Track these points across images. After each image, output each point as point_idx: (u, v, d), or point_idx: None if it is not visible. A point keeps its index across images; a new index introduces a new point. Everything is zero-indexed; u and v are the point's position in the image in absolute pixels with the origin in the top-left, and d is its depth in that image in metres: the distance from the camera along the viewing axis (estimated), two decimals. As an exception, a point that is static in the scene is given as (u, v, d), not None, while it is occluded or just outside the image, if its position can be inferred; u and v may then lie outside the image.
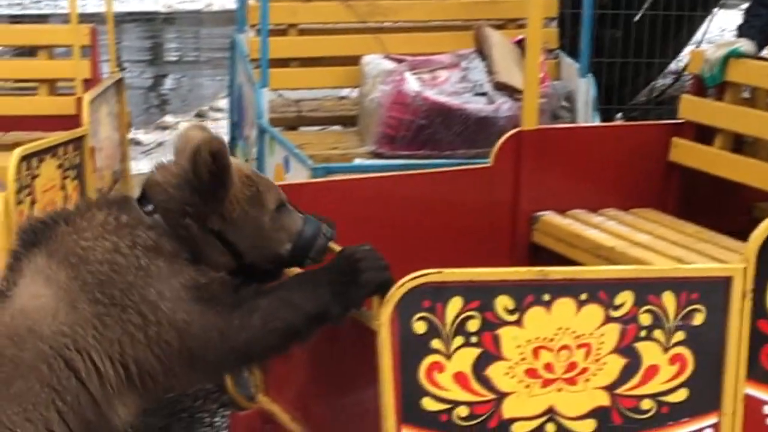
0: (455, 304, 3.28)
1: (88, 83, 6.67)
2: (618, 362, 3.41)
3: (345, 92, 7.32)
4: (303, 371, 3.94)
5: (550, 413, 3.39)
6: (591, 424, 3.42)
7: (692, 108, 4.91)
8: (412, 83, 6.04)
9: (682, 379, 3.45)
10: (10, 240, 4.93)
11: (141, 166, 8.94)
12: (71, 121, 6.26)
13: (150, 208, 3.38)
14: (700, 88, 4.95)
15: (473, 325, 3.30)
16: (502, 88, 6.09)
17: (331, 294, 3.31)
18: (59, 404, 3.20)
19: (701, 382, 3.46)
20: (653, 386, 3.44)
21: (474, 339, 3.31)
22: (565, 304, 3.34)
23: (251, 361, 3.42)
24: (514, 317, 3.32)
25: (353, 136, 6.41)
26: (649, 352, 3.42)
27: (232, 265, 3.40)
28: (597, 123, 5.97)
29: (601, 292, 3.36)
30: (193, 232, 3.35)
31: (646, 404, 3.44)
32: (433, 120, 5.90)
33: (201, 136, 3.43)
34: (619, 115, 8.82)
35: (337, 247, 3.51)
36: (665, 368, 3.44)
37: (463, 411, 3.33)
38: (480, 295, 3.29)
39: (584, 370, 3.39)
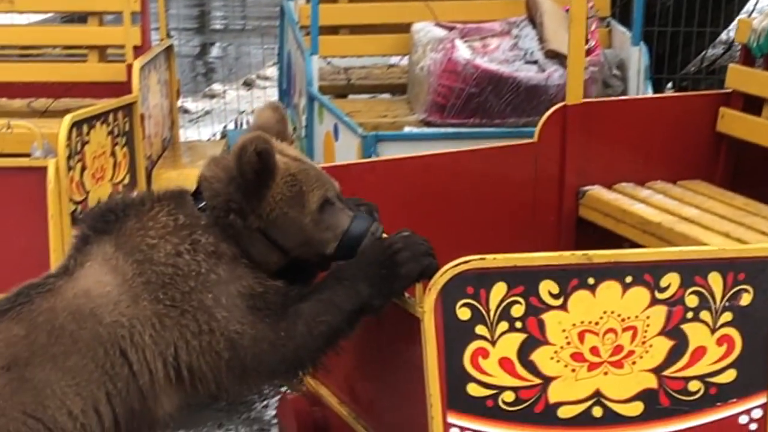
0: (499, 290, 3.27)
1: (138, 50, 6.61)
2: (665, 344, 3.38)
3: (394, 60, 7.25)
4: (350, 354, 3.93)
5: (597, 396, 3.38)
6: (638, 406, 3.40)
7: (740, 78, 4.85)
8: (462, 51, 5.98)
9: (729, 360, 3.42)
10: (61, 206, 5.02)
11: (189, 134, 8.99)
12: (121, 88, 6.26)
13: (203, 204, 3.41)
14: (749, 57, 4.88)
15: (518, 311, 3.29)
16: (553, 56, 6.02)
17: (370, 288, 3.31)
18: (109, 386, 3.26)
19: (749, 362, 3.43)
20: (701, 367, 3.41)
21: (518, 324, 3.29)
22: (610, 288, 3.32)
23: (302, 367, 3.40)
24: (558, 301, 3.30)
25: (403, 105, 6.37)
26: (697, 333, 3.39)
27: (281, 261, 3.41)
28: (647, 94, 5.89)
29: (646, 274, 3.33)
30: (238, 229, 3.36)
31: (693, 386, 3.42)
32: (484, 88, 5.85)
33: (250, 135, 3.36)
34: (670, 84, 8.71)
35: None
36: (713, 349, 3.41)
37: (509, 396, 3.33)
38: (524, 280, 3.28)
39: (630, 353, 3.37)
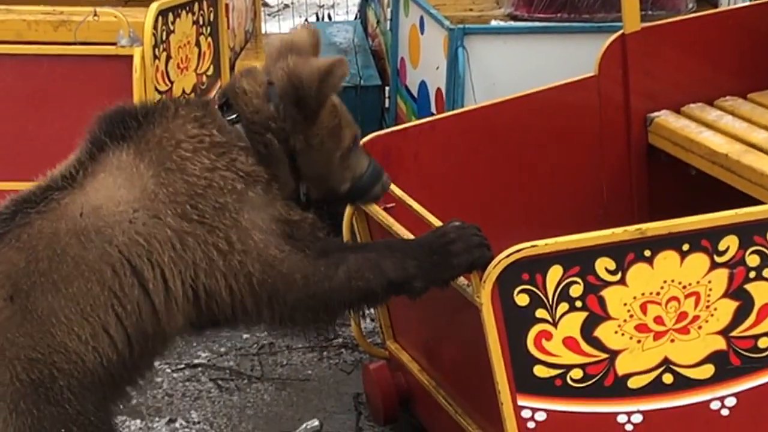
0: (555, 273, 3.26)
1: None
2: (730, 306, 3.36)
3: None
4: (429, 322, 3.98)
5: (666, 363, 3.37)
6: (709, 369, 3.40)
7: (803, -18, 4.68)
8: None
9: (798, 314, 3.38)
10: (147, 95, 5.05)
11: (268, 27, 8.93)
12: None
13: (233, 117, 3.28)
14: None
15: (576, 291, 3.28)
16: (646, -50, 5.81)
17: (417, 268, 3.25)
18: (118, 309, 3.14)
19: (819, 313, 3.39)
20: (769, 324, 3.38)
21: (578, 303, 3.29)
22: (667, 257, 3.29)
23: (323, 313, 3.27)
24: (616, 277, 3.28)
25: None
26: (761, 291, 3.36)
27: (292, 192, 3.33)
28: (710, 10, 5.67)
29: (703, 240, 3.30)
30: (273, 149, 3.27)
31: (763, 342, 3.40)
32: None
33: (323, 61, 3.27)
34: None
35: (435, 222, 3.50)
36: (780, 305, 3.37)
37: (576, 373, 3.34)
38: (579, 260, 3.26)
39: (695, 318, 3.35)
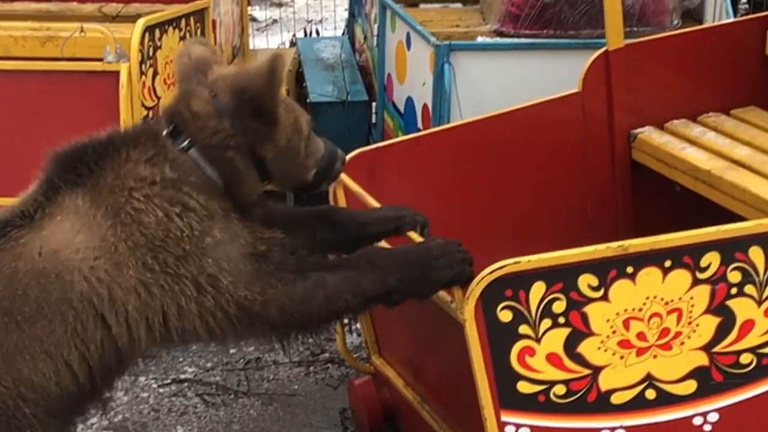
0: (538, 289, 3.28)
1: None
2: (712, 322, 3.38)
3: (468, -32, 7.12)
4: (414, 338, 3.99)
5: (649, 379, 3.40)
6: (691, 384, 3.42)
7: (785, -1, 4.72)
8: None
9: (779, 330, 3.41)
10: (133, 110, 5.06)
11: (257, 43, 8.94)
12: None
13: (185, 144, 3.22)
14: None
15: (559, 307, 3.30)
16: (630, -34, 5.86)
17: (398, 283, 3.26)
18: (81, 348, 3.14)
19: (800, 329, 3.41)
20: (751, 340, 3.41)
21: (561, 320, 3.31)
22: (649, 274, 3.31)
23: (301, 331, 3.27)
24: (599, 293, 3.30)
25: (475, 14, 6.24)
26: (743, 307, 3.38)
27: (260, 194, 3.33)
28: (725, 6, 5.66)
29: (685, 256, 3.32)
30: (237, 164, 3.23)
31: (745, 358, 3.42)
32: None
33: (261, 64, 3.19)
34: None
35: (417, 237, 3.52)
36: (761, 321, 3.41)
37: (560, 389, 3.36)
38: (562, 276, 3.28)
39: (678, 334, 3.38)
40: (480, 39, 5.68)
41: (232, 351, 5.05)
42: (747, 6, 8.25)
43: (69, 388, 3.16)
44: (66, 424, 3.25)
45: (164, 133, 3.24)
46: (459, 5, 6.80)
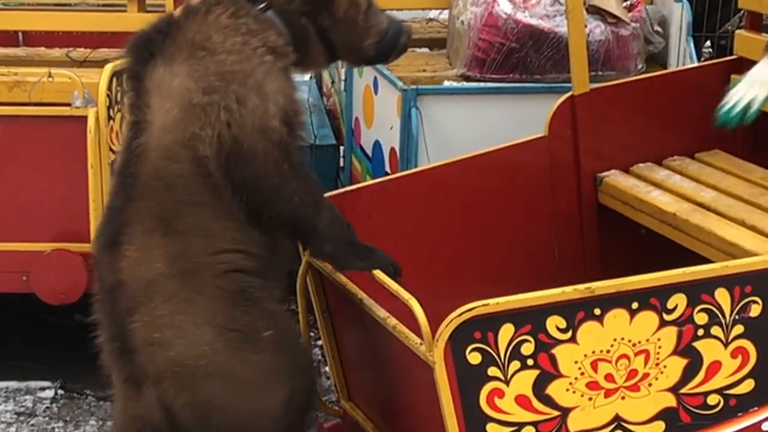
0: (507, 331, 3.30)
1: (178, 0, 6.55)
2: (679, 363, 3.41)
3: (433, 14, 7.17)
4: (382, 381, 4.00)
5: (617, 421, 3.41)
6: (659, 425, 3.44)
7: (747, 45, 4.77)
8: (503, 5, 5.87)
9: (746, 371, 3.44)
10: (101, 155, 5.09)
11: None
12: None
13: (263, 5, 3.54)
14: (755, 22, 4.80)
15: (528, 349, 3.32)
16: (595, 11, 5.90)
17: (335, 247, 3.63)
18: (228, 197, 3.48)
19: (766, 370, 3.44)
20: (718, 381, 3.44)
21: (530, 361, 3.33)
22: (617, 316, 3.34)
23: (267, 199, 3.53)
24: (567, 335, 3.33)
25: (442, 59, 6.28)
26: (710, 349, 3.41)
27: (324, 65, 3.86)
28: (689, 51, 5.73)
29: (652, 298, 3.35)
30: (308, 31, 3.61)
31: (712, 399, 3.45)
32: (524, 43, 5.76)
33: None
34: (708, 43, 8.53)
35: (387, 280, 3.55)
36: (728, 362, 3.43)
37: (529, 431, 3.37)
38: (530, 318, 3.30)
39: (645, 376, 3.40)
40: (447, 83, 5.72)
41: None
42: (711, 50, 8.34)
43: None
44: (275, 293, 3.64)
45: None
46: (426, 50, 6.85)
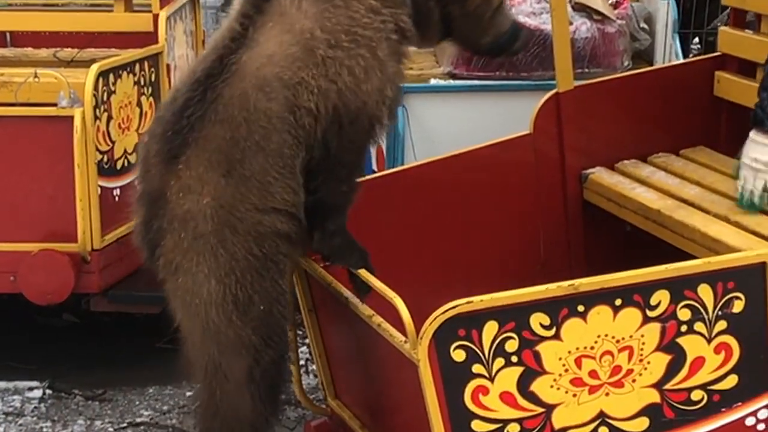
0: (491, 328, 3.31)
1: (164, 0, 6.41)
2: (663, 359, 3.42)
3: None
4: (369, 380, 4.01)
5: (601, 417, 3.43)
6: (644, 421, 3.45)
7: (731, 42, 4.78)
8: None
9: (729, 366, 3.46)
10: (87, 155, 5.11)
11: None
12: (147, 38, 6.14)
13: None
14: (739, 19, 4.82)
15: (512, 346, 3.33)
16: (581, 9, 5.93)
17: (343, 239, 3.70)
18: (303, 155, 3.49)
19: (750, 366, 3.47)
20: (701, 377, 3.45)
21: (514, 358, 3.34)
22: (600, 312, 3.35)
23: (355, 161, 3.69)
24: (551, 332, 3.34)
25: (428, 57, 6.28)
26: (693, 345, 3.43)
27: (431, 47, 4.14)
28: (675, 48, 5.74)
29: (635, 295, 3.36)
30: (432, 15, 3.70)
31: (696, 395, 3.46)
32: None
33: None
34: (696, 39, 8.54)
35: (372, 278, 3.56)
36: (711, 358, 3.44)
37: (513, 428, 3.39)
38: (514, 316, 3.32)
39: (629, 372, 3.41)
40: (433, 81, 5.74)
41: (188, 393, 5.05)
42: (699, 47, 8.35)
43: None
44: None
45: None
46: (413, 48, 6.84)
